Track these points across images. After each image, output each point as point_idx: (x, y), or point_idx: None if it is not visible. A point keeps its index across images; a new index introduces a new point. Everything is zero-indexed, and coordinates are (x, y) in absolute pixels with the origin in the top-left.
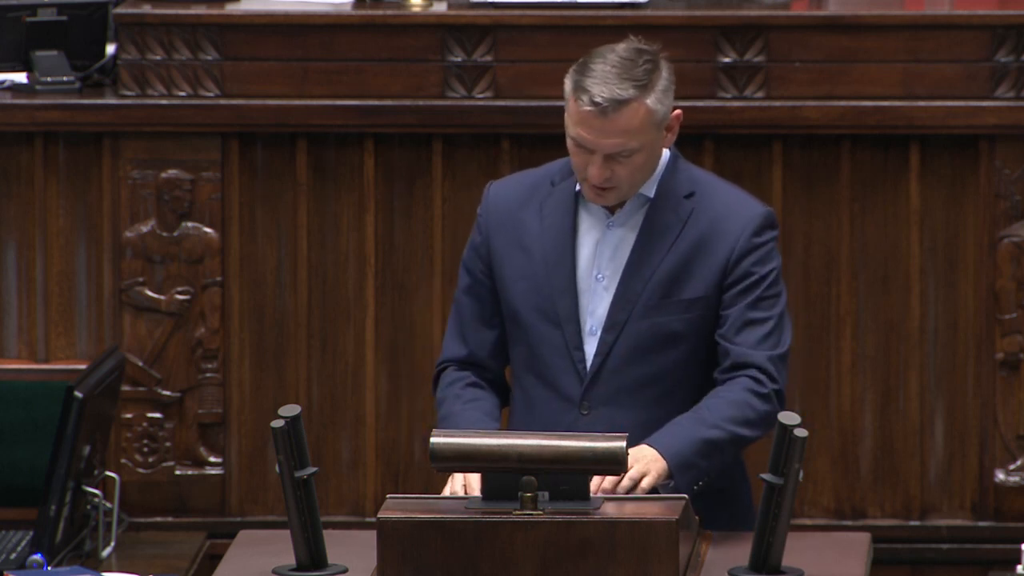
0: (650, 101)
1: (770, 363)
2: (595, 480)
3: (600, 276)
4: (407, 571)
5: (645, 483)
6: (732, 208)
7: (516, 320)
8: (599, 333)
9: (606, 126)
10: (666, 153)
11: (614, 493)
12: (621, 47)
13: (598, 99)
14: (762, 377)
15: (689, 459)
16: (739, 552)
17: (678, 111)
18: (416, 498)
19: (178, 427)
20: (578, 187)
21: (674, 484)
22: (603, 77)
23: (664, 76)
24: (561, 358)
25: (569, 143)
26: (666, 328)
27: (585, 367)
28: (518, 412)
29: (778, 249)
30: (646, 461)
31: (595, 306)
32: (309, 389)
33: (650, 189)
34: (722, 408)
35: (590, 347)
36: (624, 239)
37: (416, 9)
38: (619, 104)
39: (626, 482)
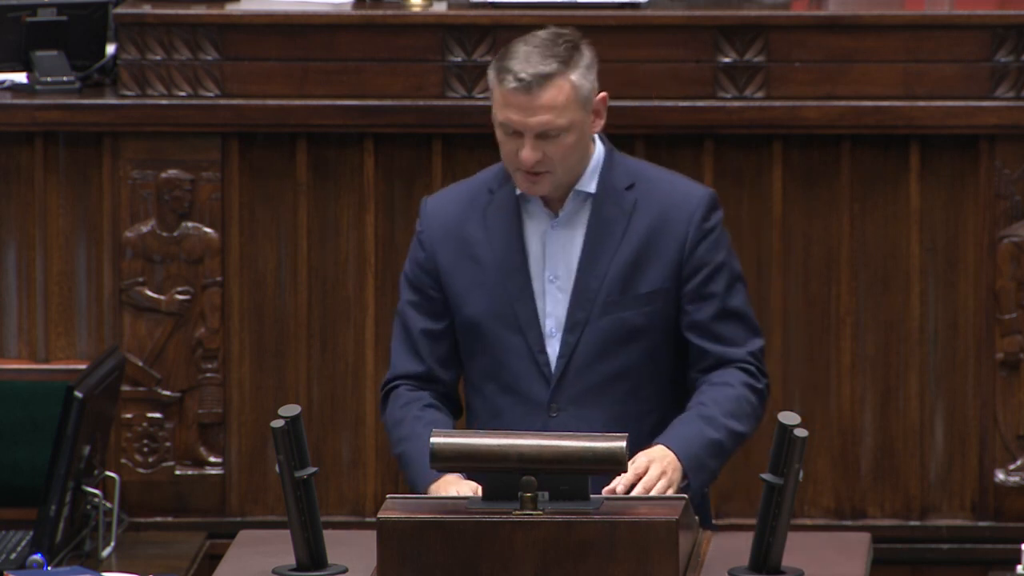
0: (574, 77)
1: (754, 357)
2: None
3: (553, 277)
4: (407, 571)
5: (660, 487)
6: (675, 195)
7: (475, 330)
8: (559, 334)
9: (532, 102)
10: (600, 148)
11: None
12: (541, 32)
13: (522, 75)
14: (755, 371)
15: (703, 461)
16: (739, 552)
17: (603, 94)
18: (416, 498)
19: (178, 427)
20: (519, 191)
21: (688, 484)
22: (525, 56)
23: (586, 55)
24: (525, 363)
25: (498, 134)
26: (627, 323)
27: (550, 370)
28: (482, 423)
29: (726, 229)
30: (663, 464)
31: (552, 308)
32: (309, 389)
33: (590, 184)
34: (725, 405)
35: (552, 349)
36: (572, 238)
37: (416, 9)
38: (543, 79)
39: (641, 491)
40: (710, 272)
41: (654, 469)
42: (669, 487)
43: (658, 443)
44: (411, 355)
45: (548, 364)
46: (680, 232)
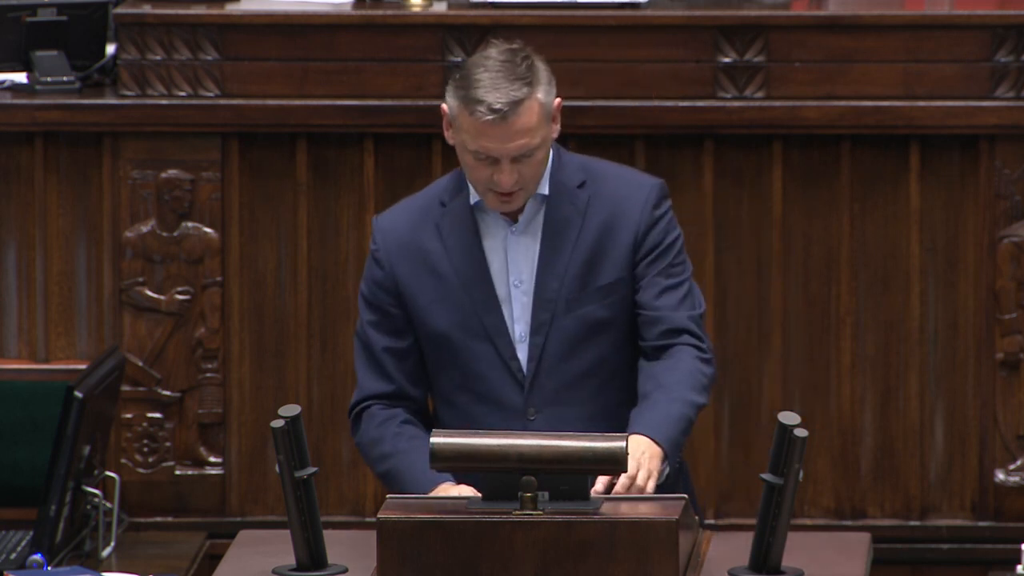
0: (540, 95)
1: (696, 325)
2: (601, 481)
3: (518, 282)
4: (407, 571)
5: (650, 486)
6: (626, 188)
7: (443, 343)
8: (528, 338)
9: (508, 130)
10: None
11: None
12: (493, 52)
13: (497, 105)
14: (697, 342)
15: (677, 439)
16: (739, 552)
17: (558, 99)
18: (416, 498)
19: (178, 427)
20: (473, 200)
21: (667, 463)
22: (492, 83)
23: (543, 68)
24: (497, 371)
25: (467, 159)
26: (591, 318)
27: (523, 374)
28: None
29: (675, 218)
30: (638, 456)
31: (520, 313)
32: (309, 389)
33: (543, 186)
34: (684, 382)
35: (523, 354)
36: (531, 241)
37: (416, 9)
38: (516, 104)
39: (627, 483)
40: (658, 253)
41: (630, 463)
42: (649, 477)
43: (634, 433)
44: (378, 375)
45: (521, 369)
46: (632, 222)
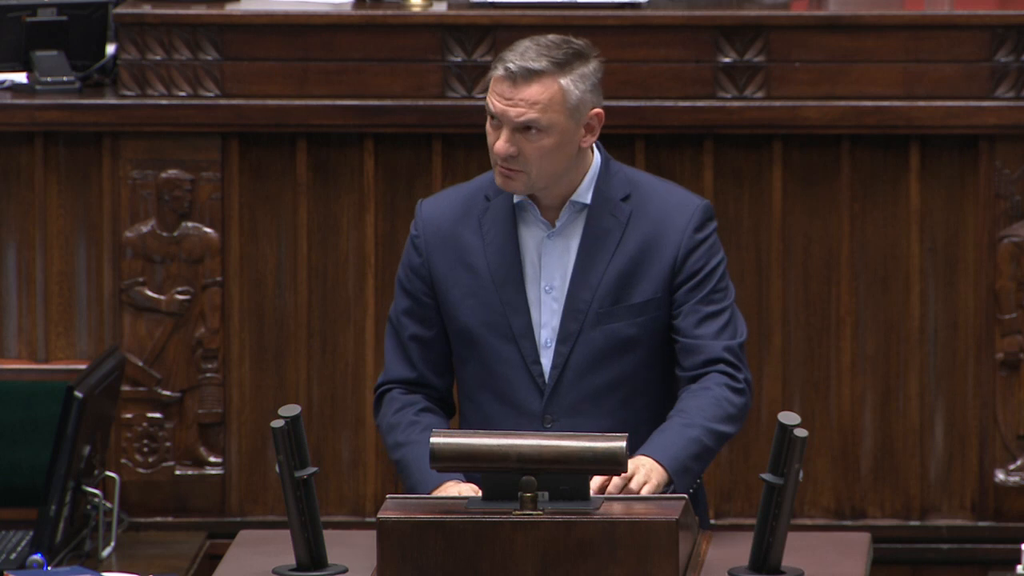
0: (564, 81)
1: (733, 355)
2: (596, 482)
3: (548, 288)
4: (407, 571)
5: (646, 491)
6: (670, 206)
7: (468, 338)
8: (554, 345)
9: (515, 94)
10: (597, 157)
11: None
12: (552, 35)
13: (511, 66)
14: (731, 371)
15: (685, 463)
16: (739, 552)
17: (599, 110)
18: (416, 498)
19: (178, 427)
20: (516, 199)
21: (673, 488)
22: (523, 51)
23: (589, 65)
24: (519, 373)
25: (487, 124)
26: (620, 334)
27: (544, 380)
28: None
29: (720, 240)
30: (646, 470)
31: (547, 318)
32: (309, 389)
33: (586, 195)
34: (705, 408)
35: (546, 360)
36: (567, 248)
37: (416, 9)
38: (530, 73)
39: (620, 483)
40: (700, 280)
41: (629, 468)
42: (646, 483)
43: (641, 454)
44: (403, 361)
45: (542, 375)
46: (673, 242)
